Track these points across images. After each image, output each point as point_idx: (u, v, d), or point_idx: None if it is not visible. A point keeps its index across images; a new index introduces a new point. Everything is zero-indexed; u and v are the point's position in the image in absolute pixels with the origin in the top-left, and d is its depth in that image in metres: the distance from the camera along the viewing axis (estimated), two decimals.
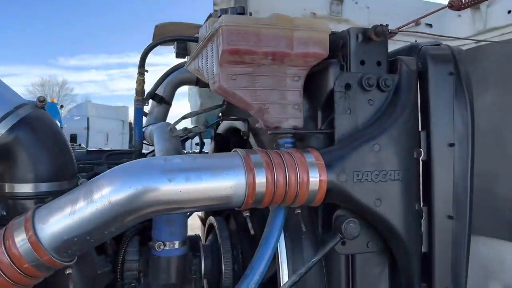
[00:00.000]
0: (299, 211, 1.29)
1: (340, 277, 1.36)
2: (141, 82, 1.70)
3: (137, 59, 1.63)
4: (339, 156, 1.23)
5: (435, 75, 1.37)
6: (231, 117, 1.87)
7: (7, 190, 1.23)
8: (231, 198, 1.12)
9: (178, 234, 1.39)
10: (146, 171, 1.05)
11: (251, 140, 1.75)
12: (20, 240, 1.01)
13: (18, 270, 1.01)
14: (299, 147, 1.33)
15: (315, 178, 1.18)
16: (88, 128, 17.93)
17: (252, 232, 1.24)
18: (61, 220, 1.02)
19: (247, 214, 1.22)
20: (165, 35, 1.75)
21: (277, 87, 1.35)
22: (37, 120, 1.25)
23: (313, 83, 1.40)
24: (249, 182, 1.12)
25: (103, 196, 1.01)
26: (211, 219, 1.97)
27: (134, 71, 1.67)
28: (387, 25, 1.30)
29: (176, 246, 1.39)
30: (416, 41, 2.41)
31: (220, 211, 2.21)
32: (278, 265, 1.39)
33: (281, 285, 1.36)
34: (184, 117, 1.60)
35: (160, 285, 1.39)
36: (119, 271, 1.38)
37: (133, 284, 1.38)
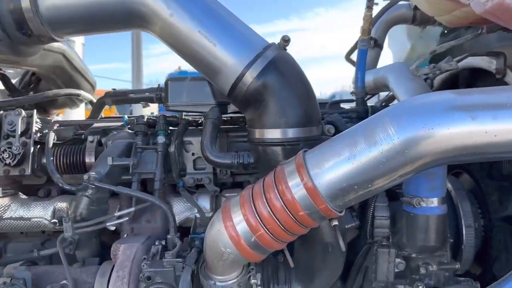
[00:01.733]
0: None
1: None
2: (368, 18, 1.50)
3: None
4: None
5: None
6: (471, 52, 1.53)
7: (257, 136, 1.19)
8: None
9: (439, 190, 1.18)
10: (440, 107, 0.84)
11: (509, 78, 1.39)
12: (294, 185, 0.93)
13: (293, 217, 0.95)
14: None
15: None
16: None
17: None
18: (338, 165, 0.90)
19: None
20: None
21: None
22: (284, 62, 1.15)
23: None
24: None
25: (390, 136, 0.84)
26: None
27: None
28: None
29: (435, 203, 1.18)
30: None
31: None
32: None
33: None
34: (432, 52, 1.34)
35: (417, 247, 1.21)
36: (368, 228, 1.25)
37: (384, 243, 1.23)
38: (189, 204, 1.45)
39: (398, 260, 1.23)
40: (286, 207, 0.94)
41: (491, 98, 0.85)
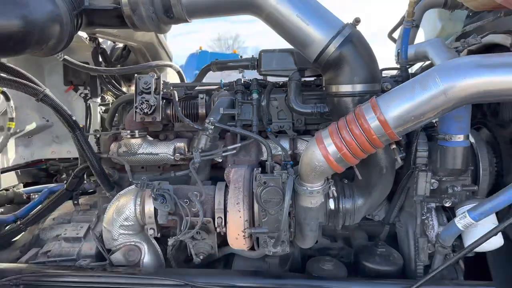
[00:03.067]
0: None
1: None
2: (413, 4, 1.94)
3: None
4: None
5: None
6: (493, 31, 1.96)
7: (333, 90, 1.67)
8: None
9: (465, 129, 1.65)
10: (470, 65, 1.31)
11: None
12: (370, 118, 1.42)
13: (367, 139, 1.43)
14: None
15: None
16: None
17: None
18: (401, 103, 1.37)
19: None
20: None
21: None
22: (357, 37, 1.61)
23: None
24: None
25: (437, 83, 1.32)
26: None
27: None
28: None
29: (462, 138, 1.65)
30: None
31: None
32: None
33: None
34: (463, 31, 1.78)
35: (447, 170, 1.70)
36: (412, 158, 1.74)
37: (423, 168, 1.72)
38: (274, 144, 1.95)
39: (433, 180, 1.72)
40: (363, 133, 1.43)
41: (503, 60, 1.31)
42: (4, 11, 1.35)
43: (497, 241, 1.66)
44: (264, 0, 1.61)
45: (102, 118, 2.85)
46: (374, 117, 1.42)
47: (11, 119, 2.00)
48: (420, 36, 2.87)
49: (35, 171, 2.79)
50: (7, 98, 1.94)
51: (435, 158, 1.73)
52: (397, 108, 1.39)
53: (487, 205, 1.55)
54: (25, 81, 1.72)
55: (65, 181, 2.17)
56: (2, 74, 1.74)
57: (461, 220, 1.60)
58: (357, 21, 1.64)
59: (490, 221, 1.67)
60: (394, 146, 1.52)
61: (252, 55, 2.05)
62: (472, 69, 1.31)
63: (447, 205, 1.77)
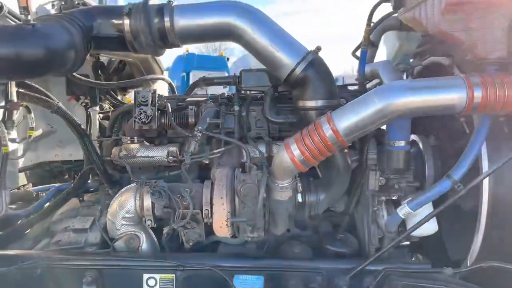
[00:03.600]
0: (502, 119, 1.77)
1: None
2: (368, 32, 2.32)
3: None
4: None
5: None
6: (433, 53, 2.35)
7: (300, 105, 2.04)
8: (455, 106, 1.69)
9: (405, 136, 2.04)
10: (401, 88, 1.70)
11: (455, 71, 2.23)
12: (326, 128, 1.79)
13: (324, 145, 1.81)
14: None
15: None
16: None
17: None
18: (349, 117, 1.75)
19: (463, 119, 1.78)
20: None
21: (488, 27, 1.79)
22: (318, 62, 1.99)
23: None
24: (469, 96, 1.66)
25: (374, 102, 1.70)
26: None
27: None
28: None
29: (403, 144, 2.04)
30: None
31: None
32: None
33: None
34: (413, 53, 2.18)
35: (392, 169, 2.08)
36: (364, 160, 2.12)
37: (373, 168, 2.10)
38: (252, 148, 2.31)
39: (381, 178, 2.10)
40: (321, 140, 1.80)
41: (426, 84, 1.70)
42: (33, 43, 1.68)
43: (431, 227, 2.05)
44: (243, 31, 1.98)
45: (100, 125, 3.17)
46: (328, 127, 1.79)
47: (31, 128, 2.32)
48: (383, 53, 3.28)
49: (41, 172, 3.09)
50: (29, 111, 2.26)
51: (383, 159, 2.12)
52: (346, 121, 1.76)
53: (421, 197, 1.94)
54: (42, 96, 2.05)
55: (72, 181, 2.49)
56: (21, 90, 2.07)
57: (402, 210, 1.98)
58: (318, 49, 2.02)
59: (428, 211, 2.06)
60: (346, 150, 1.90)
61: (235, 73, 2.42)
62: (401, 91, 1.70)
63: (394, 198, 2.16)
